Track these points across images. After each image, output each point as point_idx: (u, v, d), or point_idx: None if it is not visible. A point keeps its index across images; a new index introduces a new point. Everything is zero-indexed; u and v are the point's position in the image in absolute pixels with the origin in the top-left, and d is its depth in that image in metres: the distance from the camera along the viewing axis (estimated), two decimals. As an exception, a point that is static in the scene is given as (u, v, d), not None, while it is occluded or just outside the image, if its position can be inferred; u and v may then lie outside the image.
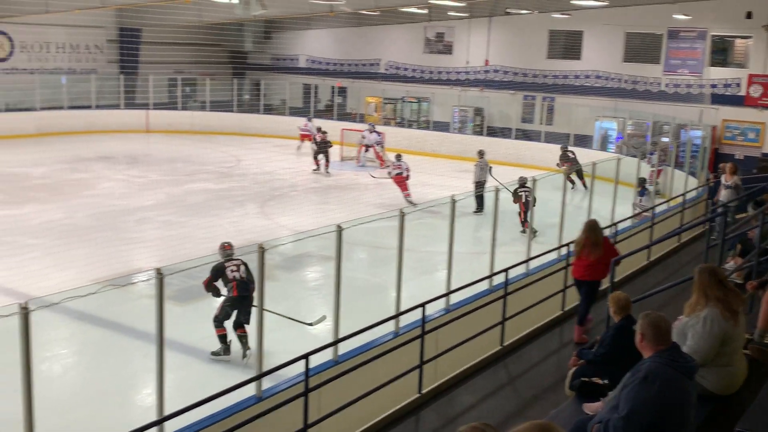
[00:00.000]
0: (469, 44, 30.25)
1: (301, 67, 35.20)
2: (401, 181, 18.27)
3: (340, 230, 6.88)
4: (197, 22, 29.37)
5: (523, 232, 14.62)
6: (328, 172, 22.03)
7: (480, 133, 27.51)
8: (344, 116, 30.55)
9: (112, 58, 31.94)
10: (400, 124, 30.31)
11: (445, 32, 31.20)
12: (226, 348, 9.16)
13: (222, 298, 9.33)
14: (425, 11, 27.37)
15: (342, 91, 32.29)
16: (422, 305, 7.38)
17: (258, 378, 6.21)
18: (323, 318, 9.46)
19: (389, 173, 18.71)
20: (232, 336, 9.17)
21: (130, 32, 31.44)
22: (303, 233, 13.77)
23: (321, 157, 22.31)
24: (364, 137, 24.11)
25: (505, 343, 8.59)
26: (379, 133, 24.24)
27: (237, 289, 9.16)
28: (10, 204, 16.34)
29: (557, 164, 20.92)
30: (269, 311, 7.30)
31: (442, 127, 28.81)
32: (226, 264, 9.38)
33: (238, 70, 35.29)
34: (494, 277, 8.88)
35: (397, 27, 31.52)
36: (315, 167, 22.20)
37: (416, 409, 7.26)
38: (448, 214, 8.60)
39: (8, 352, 5.36)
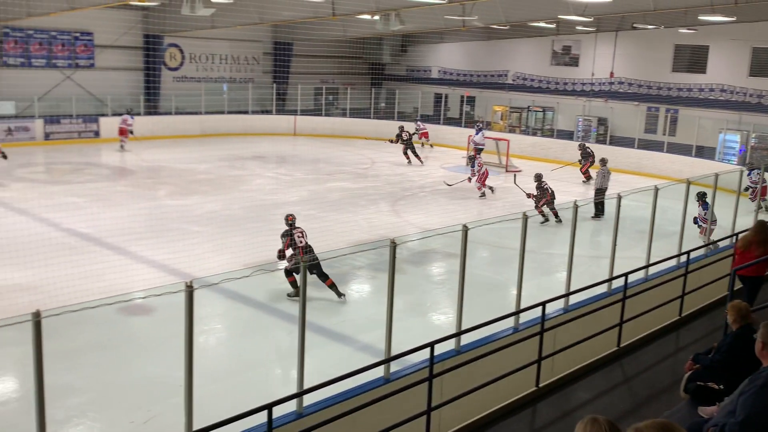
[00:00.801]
0: (595, 57, 29.37)
1: (433, 78, 35.32)
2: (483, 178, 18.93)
3: (466, 230, 6.86)
4: (342, 36, 30.05)
5: (546, 221, 15.95)
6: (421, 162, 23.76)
7: (603, 142, 26.62)
8: (471, 124, 30.39)
9: (267, 68, 33.21)
10: (525, 132, 29.88)
11: (571, 45, 30.44)
12: (296, 292, 9.95)
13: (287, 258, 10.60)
14: (553, 25, 26.78)
15: (470, 100, 32.12)
16: (542, 304, 7.24)
17: (386, 362, 6.29)
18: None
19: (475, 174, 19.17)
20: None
21: (284, 46, 32.61)
22: (430, 231, 13.85)
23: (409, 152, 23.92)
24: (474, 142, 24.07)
25: (622, 345, 8.30)
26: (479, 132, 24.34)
27: (303, 252, 10.38)
28: (179, 195, 17.33)
29: (579, 161, 21.64)
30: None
31: (565, 135, 28.12)
32: (294, 232, 10.70)
33: (376, 80, 35.83)
34: (613, 281, 8.59)
35: (525, 40, 31.06)
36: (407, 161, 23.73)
37: (533, 402, 7.13)
38: (569, 218, 8.40)
39: (174, 324, 5.68)
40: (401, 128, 24.35)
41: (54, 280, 9.88)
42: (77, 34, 26.86)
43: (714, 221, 12.95)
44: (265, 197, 17.70)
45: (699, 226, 13.10)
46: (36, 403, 4.56)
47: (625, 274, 8.32)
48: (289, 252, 10.62)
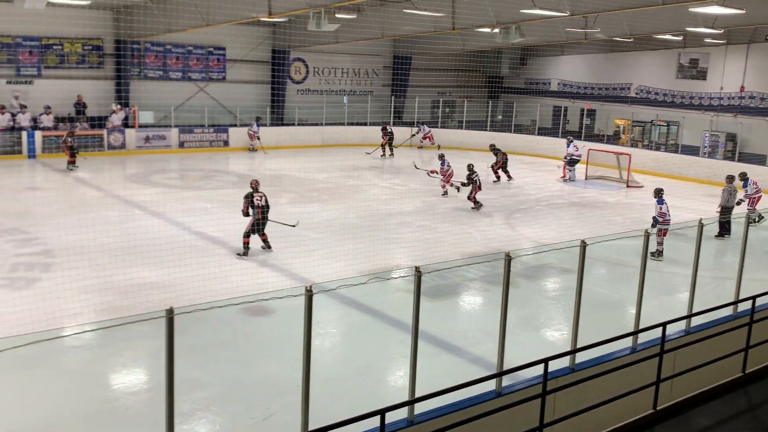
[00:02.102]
0: (725, 70, 27.86)
1: (553, 91, 34.65)
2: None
3: (584, 245, 6.68)
4: (461, 49, 30.04)
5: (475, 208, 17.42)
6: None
7: (731, 159, 25.18)
8: (591, 137, 29.57)
9: (386, 81, 33.70)
10: (648, 147, 28.71)
11: (699, 58, 29.02)
12: (246, 252, 12.73)
13: (250, 219, 12.82)
14: (680, 38, 25.66)
15: (590, 113, 31.26)
16: (663, 325, 6.92)
17: (499, 375, 6.20)
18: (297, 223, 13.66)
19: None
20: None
21: (403, 59, 33.01)
22: (546, 245, 13.57)
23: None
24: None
25: (747, 371, 7.80)
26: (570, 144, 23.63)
27: (261, 213, 12.78)
28: (300, 202, 17.86)
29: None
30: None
31: (691, 151, 26.81)
32: (254, 195, 12.90)
33: (494, 92, 35.56)
34: (740, 304, 8.10)
35: (650, 52, 29.88)
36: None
37: (649, 424, 6.83)
38: (692, 237, 7.99)
39: (291, 326, 5.85)
40: (383, 128, 25.25)
41: (184, 279, 10.42)
42: (211, 49, 28.30)
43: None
44: (380, 207, 17.93)
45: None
46: (166, 395, 4.81)
47: (753, 297, 7.83)
48: (251, 213, 12.88)
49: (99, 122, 24.63)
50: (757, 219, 16.22)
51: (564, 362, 6.62)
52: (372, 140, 29.90)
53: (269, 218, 13.03)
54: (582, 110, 30.82)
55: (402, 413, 5.63)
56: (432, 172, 19.86)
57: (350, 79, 32.80)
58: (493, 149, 23.29)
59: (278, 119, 29.55)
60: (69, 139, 21.45)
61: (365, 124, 30.69)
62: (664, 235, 13.29)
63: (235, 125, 27.84)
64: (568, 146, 23.67)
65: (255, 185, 13.19)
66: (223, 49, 28.56)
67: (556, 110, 32.18)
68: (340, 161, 24.32)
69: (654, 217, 13.63)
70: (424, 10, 21.22)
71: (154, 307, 8.63)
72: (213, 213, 15.54)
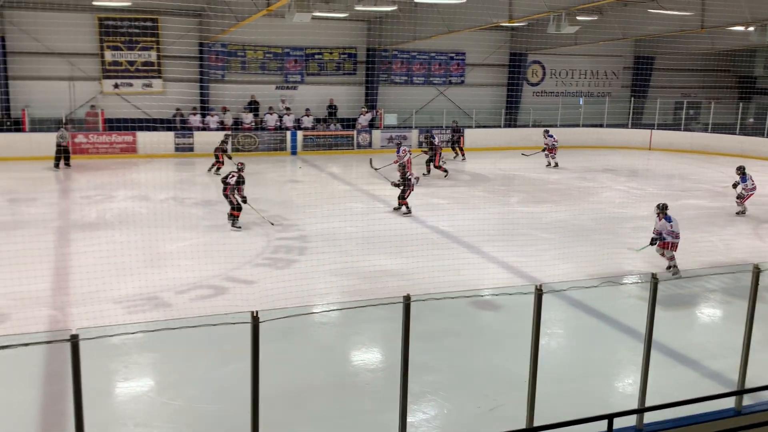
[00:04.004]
0: None
1: (817, 92, 30.60)
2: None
3: None
4: (709, 49, 27.61)
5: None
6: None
7: None
8: None
9: (626, 83, 32.04)
10: None
11: None
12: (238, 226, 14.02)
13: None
14: None
15: None
16: None
17: (740, 393, 5.65)
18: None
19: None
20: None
21: (645, 60, 31.13)
22: (801, 259, 12.01)
23: None
24: None
25: None
26: None
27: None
28: (530, 202, 17.63)
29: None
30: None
31: None
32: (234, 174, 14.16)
33: (745, 94, 32.19)
34: None
35: None
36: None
37: None
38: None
39: (518, 323, 5.81)
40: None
41: (419, 269, 10.78)
42: (452, 55, 28.91)
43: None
44: (614, 210, 17.09)
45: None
46: (401, 375, 5.03)
47: None
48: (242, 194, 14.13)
49: (350, 124, 26.33)
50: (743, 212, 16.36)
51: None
52: (605, 142, 28.65)
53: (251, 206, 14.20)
54: None
55: (630, 420, 5.35)
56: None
57: (588, 81, 31.65)
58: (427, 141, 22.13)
59: (512, 121, 29.38)
60: (224, 145, 20.92)
61: (601, 125, 29.43)
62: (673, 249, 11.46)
63: (471, 126, 28.17)
64: None
65: (241, 167, 14.58)
66: (463, 54, 29.02)
67: (819, 113, 28.33)
68: (573, 163, 23.60)
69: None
70: (671, 9, 19.82)
71: (392, 292, 9.08)
72: (447, 209, 15.88)
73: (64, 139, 21.16)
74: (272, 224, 14.20)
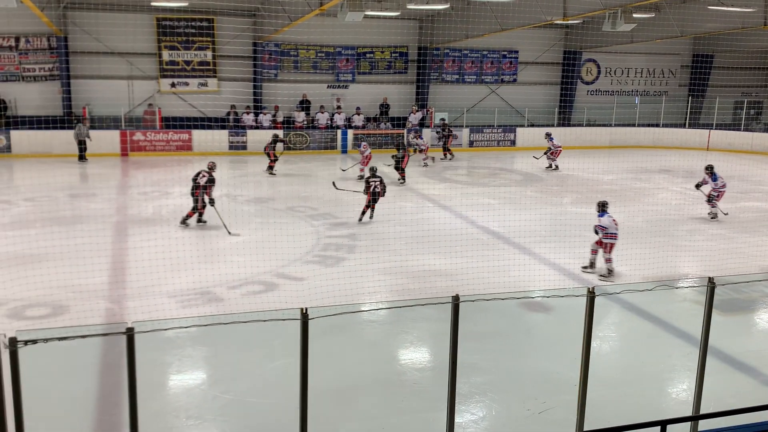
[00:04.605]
0: None
1: None
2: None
3: None
4: (772, 46, 26.71)
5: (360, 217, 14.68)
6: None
7: None
8: None
9: (683, 81, 31.23)
10: None
11: None
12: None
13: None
14: None
15: None
16: None
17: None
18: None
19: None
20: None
21: (703, 58, 30.27)
22: None
23: None
24: None
25: None
26: None
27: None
28: (582, 203, 17.33)
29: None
30: None
31: None
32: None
33: (812, 93, 31.05)
34: None
35: None
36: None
37: None
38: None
39: (569, 326, 5.71)
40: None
41: (467, 269, 10.72)
42: (504, 53, 28.64)
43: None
44: (670, 212, 16.67)
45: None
46: (449, 374, 5.01)
47: None
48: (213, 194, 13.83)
49: (400, 122, 26.35)
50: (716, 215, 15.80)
51: None
52: (661, 142, 27.99)
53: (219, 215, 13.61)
54: None
55: (684, 428, 5.22)
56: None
57: (644, 79, 30.95)
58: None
59: (566, 120, 28.94)
60: (274, 145, 20.57)
61: (657, 125, 28.75)
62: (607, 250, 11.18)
63: (523, 126, 27.86)
64: None
65: (212, 166, 14.15)
66: (516, 52, 28.71)
67: None
68: (628, 163, 23.10)
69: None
70: (732, 5, 19.22)
71: (440, 292, 9.05)
72: (496, 209, 15.73)
73: (81, 134, 21.90)
74: (230, 233, 13.24)
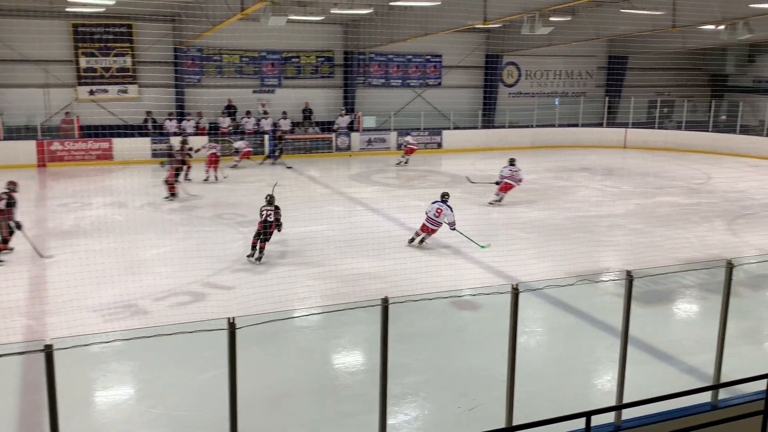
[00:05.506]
0: None
1: (786, 89, 31.11)
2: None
3: (820, 256, 5.91)
4: (681, 48, 27.99)
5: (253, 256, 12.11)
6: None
7: None
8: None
9: (600, 82, 32.34)
10: None
11: None
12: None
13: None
14: None
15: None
16: None
17: (716, 387, 5.71)
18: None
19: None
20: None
21: (618, 59, 31.46)
22: (774, 254, 12.21)
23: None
24: None
25: None
26: None
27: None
28: (508, 203, 17.69)
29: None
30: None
31: None
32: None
33: (717, 92, 32.66)
34: None
35: None
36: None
37: None
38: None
39: (497, 322, 5.82)
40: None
41: (399, 271, 10.78)
42: (429, 57, 28.98)
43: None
44: (590, 208, 17.23)
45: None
46: (380, 377, 5.02)
47: None
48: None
49: (328, 127, 26.29)
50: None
51: (793, 380, 5.91)
52: (581, 142, 28.89)
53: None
54: (821, 109, 27.33)
55: (608, 418, 5.39)
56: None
57: (562, 81, 31.89)
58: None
59: (489, 122, 29.52)
60: (182, 153, 19.52)
61: (576, 125, 29.67)
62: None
63: (448, 128, 28.25)
64: None
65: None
66: (440, 56, 29.10)
67: (789, 109, 28.83)
68: (550, 163, 23.75)
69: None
70: (643, 9, 20.04)
71: (371, 295, 9.03)
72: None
73: None
74: (41, 256, 11.85)
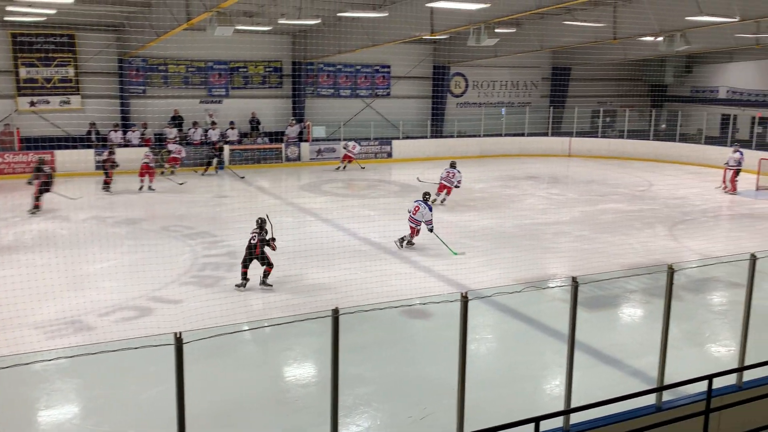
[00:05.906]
0: None
1: (721, 98, 32.27)
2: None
3: (754, 259, 6.15)
4: (622, 59, 28.79)
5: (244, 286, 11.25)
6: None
7: None
8: (764, 146, 27.17)
9: (544, 92, 32.98)
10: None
11: None
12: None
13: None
14: None
15: (763, 121, 28.74)
16: None
17: (659, 390, 5.86)
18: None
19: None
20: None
21: (562, 70, 32.18)
22: (712, 258, 12.62)
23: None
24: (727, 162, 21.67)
25: None
26: (741, 153, 21.68)
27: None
28: (457, 211, 17.88)
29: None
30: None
31: None
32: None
33: (657, 101, 33.70)
34: None
35: (833, 56, 27.04)
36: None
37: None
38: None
39: (449, 330, 5.86)
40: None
41: (350, 281, 10.76)
42: (377, 67, 29.11)
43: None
44: (537, 216, 17.53)
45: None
46: (331, 389, 4.99)
47: None
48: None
49: (277, 137, 26.12)
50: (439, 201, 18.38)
51: (731, 380, 6.12)
52: (527, 150, 29.38)
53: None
54: (753, 118, 28.43)
55: (557, 422, 5.47)
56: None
57: (508, 92, 32.43)
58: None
59: (438, 131, 29.79)
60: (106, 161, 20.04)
61: (523, 134, 30.19)
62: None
63: (398, 138, 28.40)
64: (735, 153, 21.95)
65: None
66: (388, 66, 29.26)
67: (724, 119, 29.92)
68: (497, 171, 24.08)
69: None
70: (585, 21, 20.55)
71: (324, 305, 8.96)
72: (376, 220, 15.91)
73: None
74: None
